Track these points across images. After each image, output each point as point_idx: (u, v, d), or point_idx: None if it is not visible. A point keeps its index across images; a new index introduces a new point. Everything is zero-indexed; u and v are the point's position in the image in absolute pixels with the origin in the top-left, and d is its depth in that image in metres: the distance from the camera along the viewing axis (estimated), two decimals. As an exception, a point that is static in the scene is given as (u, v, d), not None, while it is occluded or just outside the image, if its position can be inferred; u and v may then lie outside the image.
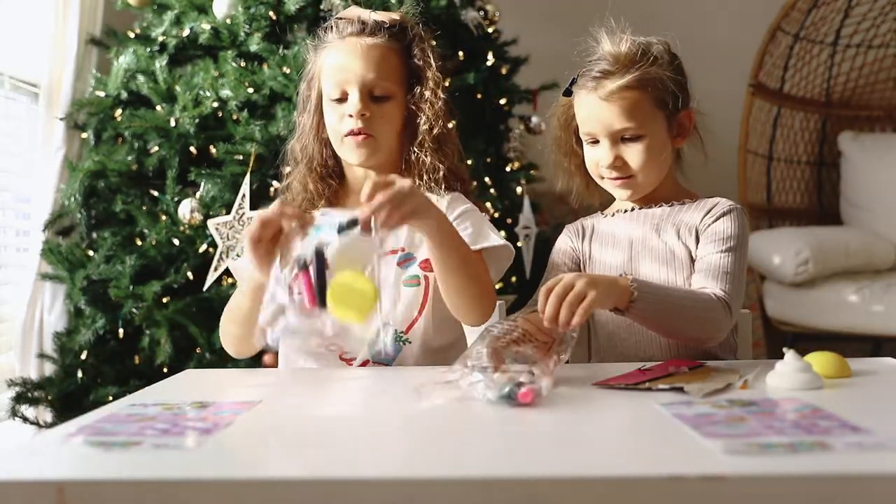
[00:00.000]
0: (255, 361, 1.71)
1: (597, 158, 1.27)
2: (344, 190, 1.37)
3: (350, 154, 1.30)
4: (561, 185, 1.38)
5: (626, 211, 1.33)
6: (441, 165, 1.31)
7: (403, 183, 1.02)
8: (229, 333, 1.28)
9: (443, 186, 1.32)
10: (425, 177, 1.31)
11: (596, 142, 1.27)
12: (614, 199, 1.38)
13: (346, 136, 1.28)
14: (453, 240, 1.15)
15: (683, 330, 1.16)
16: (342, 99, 1.29)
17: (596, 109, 1.24)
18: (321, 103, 1.33)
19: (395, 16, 1.32)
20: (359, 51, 1.28)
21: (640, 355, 1.25)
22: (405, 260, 1.29)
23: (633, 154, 1.24)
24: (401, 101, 1.31)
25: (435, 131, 1.30)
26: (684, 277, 1.24)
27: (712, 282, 1.18)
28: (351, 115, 1.26)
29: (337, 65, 1.29)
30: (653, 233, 1.29)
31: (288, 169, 1.41)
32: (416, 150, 1.31)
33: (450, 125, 1.34)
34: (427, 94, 1.31)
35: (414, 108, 1.31)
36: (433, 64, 1.32)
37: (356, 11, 1.33)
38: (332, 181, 1.36)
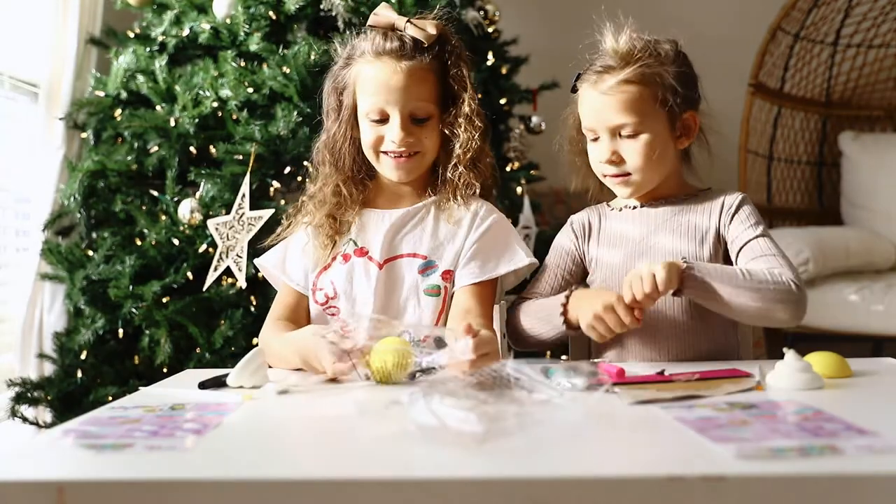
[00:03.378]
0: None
1: (596, 155, 1.27)
2: (376, 190, 1.39)
3: (389, 172, 1.32)
4: (576, 186, 1.38)
5: (633, 207, 1.32)
6: (476, 183, 1.33)
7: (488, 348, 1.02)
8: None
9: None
10: (459, 193, 1.32)
11: (597, 138, 1.26)
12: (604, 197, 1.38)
13: (385, 154, 1.30)
14: None
15: (752, 311, 1.15)
16: (381, 120, 1.29)
17: (595, 104, 1.24)
18: (355, 113, 1.33)
19: (433, 30, 1.28)
20: (399, 75, 1.26)
21: (640, 356, 1.24)
22: (427, 268, 1.30)
23: (631, 151, 1.24)
24: (438, 118, 1.31)
25: (470, 154, 1.31)
26: None
27: (770, 263, 1.19)
28: (393, 141, 1.28)
29: (376, 86, 1.28)
30: (658, 232, 1.28)
31: (314, 171, 1.41)
32: (451, 170, 1.32)
33: (484, 140, 1.34)
34: (461, 119, 1.31)
35: (448, 130, 1.31)
36: (469, 84, 1.32)
37: (388, 17, 1.29)
38: (366, 183, 1.38)
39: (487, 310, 1.30)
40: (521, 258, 1.31)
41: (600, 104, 1.23)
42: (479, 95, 2.27)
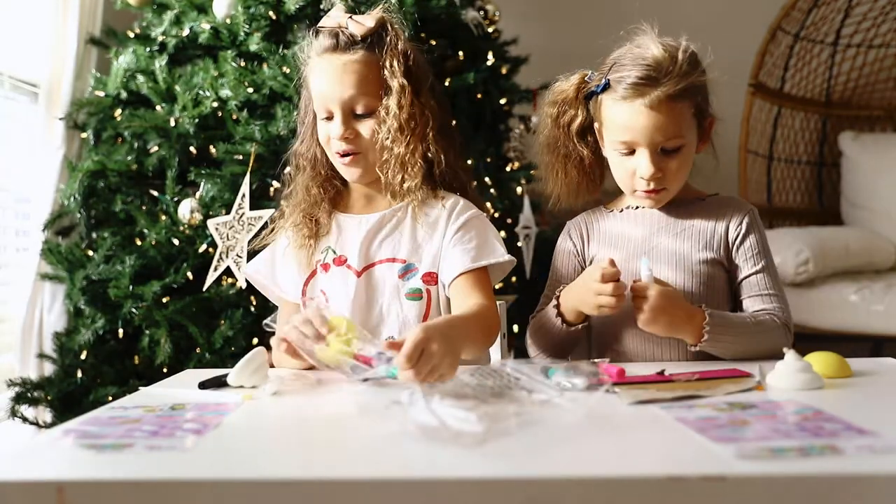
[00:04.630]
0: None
1: (632, 169, 1.22)
2: (347, 191, 1.39)
3: (343, 171, 1.32)
4: (551, 187, 1.34)
5: (636, 208, 1.31)
6: (412, 180, 1.27)
7: (430, 351, 0.97)
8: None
9: (421, 185, 1.30)
10: (410, 190, 1.28)
11: (632, 152, 1.22)
12: (599, 199, 1.37)
13: (335, 154, 1.30)
14: (468, 343, 1.13)
15: (750, 357, 1.16)
16: (329, 118, 1.29)
17: (639, 118, 1.18)
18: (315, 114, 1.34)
19: (370, 22, 1.28)
20: (335, 70, 1.27)
21: (640, 356, 1.24)
22: (407, 271, 1.29)
23: (673, 165, 1.21)
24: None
25: (397, 147, 1.26)
26: (697, 282, 1.23)
27: (767, 304, 1.22)
28: (334, 138, 1.27)
29: (319, 84, 1.29)
30: (661, 234, 1.28)
31: (287, 170, 1.42)
32: (380, 168, 1.29)
33: (425, 127, 1.29)
34: (390, 105, 1.26)
35: (378, 124, 1.27)
36: (398, 71, 1.27)
37: (335, 19, 1.30)
38: (335, 183, 1.37)
39: (485, 294, 1.26)
40: (501, 253, 1.28)
41: (646, 119, 1.17)
42: (480, 95, 2.28)
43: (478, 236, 1.29)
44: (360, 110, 1.28)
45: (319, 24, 1.32)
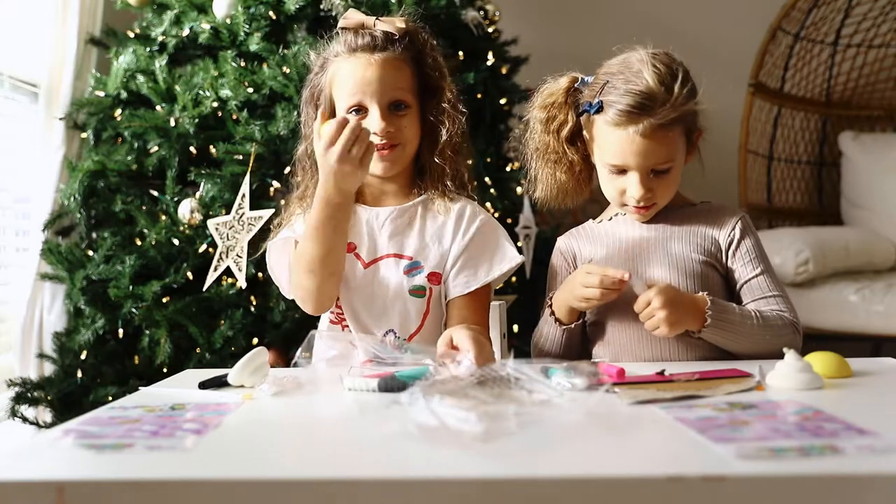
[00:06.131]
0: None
1: (622, 188, 1.24)
2: (360, 189, 1.36)
3: (372, 167, 1.28)
4: (540, 190, 1.34)
5: (625, 213, 1.32)
6: (461, 170, 1.33)
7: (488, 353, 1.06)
8: (303, 287, 1.26)
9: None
10: (439, 183, 1.32)
11: (622, 171, 1.23)
12: (588, 205, 1.38)
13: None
14: None
15: (755, 353, 1.17)
16: (360, 111, 1.28)
17: (631, 145, 1.19)
18: (333, 115, 1.31)
19: (401, 24, 1.30)
20: (374, 66, 1.27)
21: (636, 355, 1.24)
22: (413, 268, 1.30)
23: (663, 185, 1.23)
24: (416, 110, 1.31)
25: (454, 140, 1.32)
26: (693, 282, 1.24)
27: (773, 305, 1.22)
28: (375, 133, 1.25)
29: (352, 80, 1.28)
30: (656, 236, 1.28)
31: (298, 179, 1.40)
32: (436, 159, 1.32)
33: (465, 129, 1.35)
34: (446, 105, 1.31)
35: (433, 118, 1.31)
36: (447, 73, 1.33)
37: (358, 18, 1.30)
38: None
39: (484, 316, 1.31)
40: (512, 257, 1.30)
41: (637, 145, 1.18)
42: (480, 95, 2.28)
43: (489, 246, 1.31)
44: (399, 103, 1.28)
45: (341, 24, 1.31)
